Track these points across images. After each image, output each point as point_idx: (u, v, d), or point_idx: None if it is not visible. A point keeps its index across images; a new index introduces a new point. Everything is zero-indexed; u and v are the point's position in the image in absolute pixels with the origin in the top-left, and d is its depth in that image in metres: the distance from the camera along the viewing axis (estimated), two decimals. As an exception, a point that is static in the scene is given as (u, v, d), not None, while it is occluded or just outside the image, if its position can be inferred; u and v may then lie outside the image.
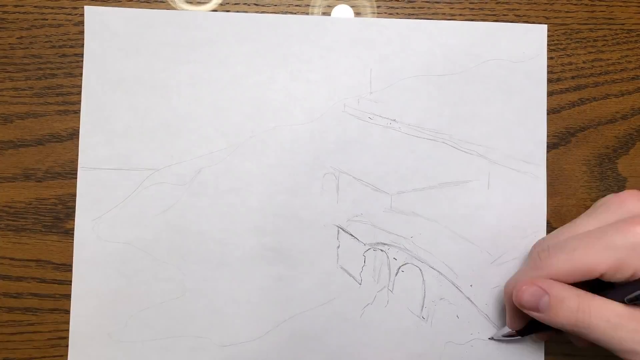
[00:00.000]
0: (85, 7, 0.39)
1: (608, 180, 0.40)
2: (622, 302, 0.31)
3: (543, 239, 0.36)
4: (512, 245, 0.39)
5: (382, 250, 0.39)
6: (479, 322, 0.39)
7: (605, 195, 0.39)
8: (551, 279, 0.32)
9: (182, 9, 0.39)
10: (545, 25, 0.40)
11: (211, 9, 0.39)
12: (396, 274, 0.39)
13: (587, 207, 0.39)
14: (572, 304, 0.31)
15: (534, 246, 0.36)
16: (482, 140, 0.39)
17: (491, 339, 0.39)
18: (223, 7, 0.40)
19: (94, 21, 0.39)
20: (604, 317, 0.31)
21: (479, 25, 0.40)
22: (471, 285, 0.39)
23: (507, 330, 0.37)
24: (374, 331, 0.39)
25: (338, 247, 0.39)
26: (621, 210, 0.33)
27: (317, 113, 0.39)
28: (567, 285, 0.32)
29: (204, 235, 0.39)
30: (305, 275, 0.39)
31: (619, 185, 0.40)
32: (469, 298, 0.39)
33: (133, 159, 0.39)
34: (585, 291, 0.32)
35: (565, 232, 0.34)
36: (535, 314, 0.33)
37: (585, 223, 0.34)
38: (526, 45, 0.40)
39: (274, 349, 0.38)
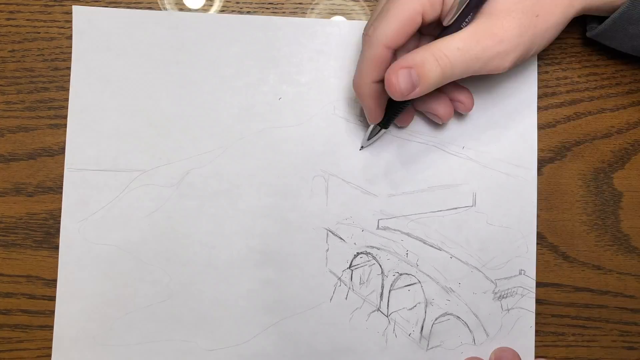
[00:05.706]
0: (74, 7, 0.39)
1: (604, 195, 0.40)
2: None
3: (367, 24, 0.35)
4: (501, 249, 0.39)
5: (371, 254, 0.39)
6: (469, 326, 0.38)
7: (602, 209, 0.39)
8: (386, 46, 0.33)
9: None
10: (535, 29, 0.40)
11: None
12: (385, 278, 0.38)
13: (582, 222, 0.39)
14: (430, 59, 0.32)
15: (363, 33, 0.35)
16: (472, 144, 0.39)
17: (362, 148, 0.39)
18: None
19: (82, 21, 0.39)
20: (454, 50, 0.32)
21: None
22: (460, 289, 0.38)
23: (370, 129, 0.37)
24: (363, 335, 0.38)
25: (327, 250, 0.38)
26: None
27: (307, 115, 0.39)
28: (413, 51, 0.33)
29: (192, 238, 0.38)
30: (293, 279, 0.38)
31: (614, 199, 0.40)
32: (458, 302, 0.38)
33: (120, 160, 0.38)
34: (427, 43, 0.33)
35: (377, 8, 0.35)
36: (412, 94, 0.33)
37: None
38: (516, 49, 0.39)
39: (262, 353, 0.38)
